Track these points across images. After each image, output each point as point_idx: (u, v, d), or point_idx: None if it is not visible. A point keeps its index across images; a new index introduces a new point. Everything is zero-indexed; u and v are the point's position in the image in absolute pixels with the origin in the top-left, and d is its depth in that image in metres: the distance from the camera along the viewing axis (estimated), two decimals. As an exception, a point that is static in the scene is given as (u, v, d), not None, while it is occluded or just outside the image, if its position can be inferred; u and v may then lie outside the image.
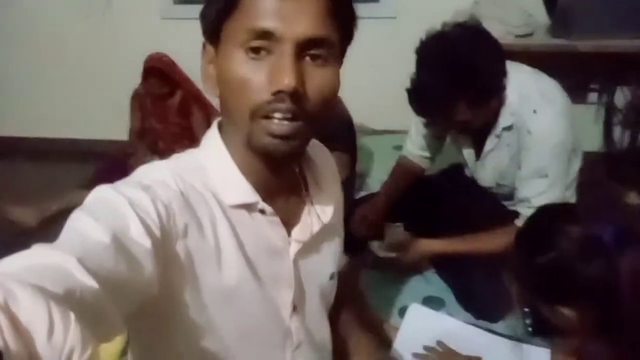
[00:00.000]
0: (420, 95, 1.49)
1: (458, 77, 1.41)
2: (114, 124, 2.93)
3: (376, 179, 2.22)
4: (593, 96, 2.77)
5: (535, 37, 2.46)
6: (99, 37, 3.05)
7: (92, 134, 3.25)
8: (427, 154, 1.88)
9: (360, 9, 2.52)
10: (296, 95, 0.67)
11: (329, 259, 0.93)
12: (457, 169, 1.90)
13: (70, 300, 0.46)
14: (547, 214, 1.05)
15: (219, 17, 0.70)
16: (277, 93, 0.66)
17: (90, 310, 0.49)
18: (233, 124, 0.75)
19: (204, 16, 0.73)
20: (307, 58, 0.68)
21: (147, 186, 0.69)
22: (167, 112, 2.65)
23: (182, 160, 0.80)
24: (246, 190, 0.77)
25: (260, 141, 0.70)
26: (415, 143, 1.88)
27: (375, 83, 2.74)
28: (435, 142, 1.85)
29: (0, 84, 3.29)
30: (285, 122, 0.68)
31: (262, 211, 0.79)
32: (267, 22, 0.66)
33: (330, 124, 1.86)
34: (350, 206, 1.89)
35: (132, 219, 0.62)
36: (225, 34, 0.70)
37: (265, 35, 0.66)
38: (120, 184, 0.69)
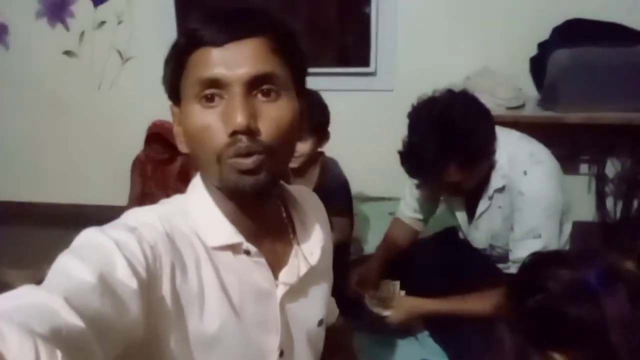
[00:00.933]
0: (412, 157, 1.54)
1: (448, 139, 1.45)
2: (115, 190, 2.98)
3: (372, 244, 2.22)
4: (584, 167, 2.83)
5: (525, 110, 2.55)
6: (105, 108, 3.17)
7: (94, 200, 3.29)
8: (420, 216, 1.90)
9: (359, 82, 2.66)
10: (250, 132, 0.69)
11: (317, 303, 0.92)
12: (451, 232, 1.92)
13: (56, 338, 0.47)
14: (539, 259, 1.06)
15: (175, 78, 0.75)
16: (233, 134, 0.69)
17: (76, 350, 0.50)
18: (205, 173, 0.77)
19: (164, 80, 0.78)
20: (259, 95, 0.72)
21: (133, 228, 0.70)
22: (167, 177, 2.70)
23: (168, 205, 0.81)
24: (229, 231, 0.78)
25: (230, 179, 0.72)
26: (408, 205, 1.90)
27: (372, 152, 2.80)
28: (428, 204, 1.88)
29: (4, 150, 3.37)
30: (250, 158, 0.70)
31: (247, 252, 0.79)
32: (213, 71, 0.70)
33: (327, 187, 1.89)
34: (346, 270, 1.90)
35: (119, 259, 0.63)
36: (182, 92, 0.75)
37: (213, 83, 0.70)
38: (107, 226, 0.70)
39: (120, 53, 3.07)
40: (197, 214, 0.79)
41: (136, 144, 2.67)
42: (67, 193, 3.34)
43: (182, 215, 0.78)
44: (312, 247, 0.87)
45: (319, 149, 1.94)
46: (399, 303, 1.67)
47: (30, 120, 3.29)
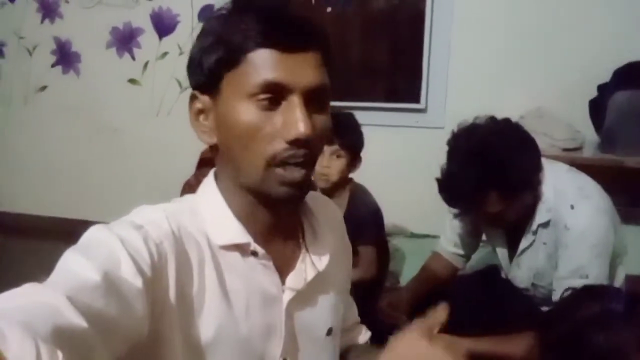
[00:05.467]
0: (450, 185, 1.48)
1: (486, 167, 1.39)
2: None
3: (408, 279, 2.14)
4: (649, 217, 2.64)
5: (583, 152, 2.44)
6: (162, 133, 3.30)
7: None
8: (461, 251, 1.81)
9: (409, 118, 2.65)
10: (309, 143, 0.70)
11: (326, 311, 0.88)
12: (493, 271, 1.81)
13: (58, 338, 0.46)
14: (577, 292, 1.01)
15: (220, 68, 0.72)
16: (294, 141, 0.69)
17: (79, 350, 0.49)
18: (239, 172, 0.75)
19: (200, 66, 0.74)
20: (312, 107, 0.72)
21: (139, 226, 0.69)
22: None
23: (177, 203, 0.80)
24: (238, 230, 0.77)
25: (275, 190, 0.72)
26: (449, 240, 1.83)
27: (419, 188, 2.73)
28: (469, 239, 1.80)
29: (66, 170, 3.55)
30: (298, 169, 0.71)
31: (255, 253, 0.77)
32: (277, 75, 0.69)
33: (357, 215, 1.86)
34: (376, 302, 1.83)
35: (124, 257, 0.62)
36: (228, 85, 0.72)
37: (276, 87, 0.69)
38: (114, 223, 0.69)
39: (179, 82, 3.20)
40: (207, 212, 0.78)
41: (188, 169, 2.73)
42: (122, 213, 3.46)
43: (191, 214, 0.77)
44: (321, 252, 0.85)
45: (350, 174, 1.92)
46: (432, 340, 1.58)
47: (92, 142, 3.46)
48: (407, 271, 2.28)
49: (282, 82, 0.69)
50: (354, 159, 1.87)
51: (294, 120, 0.69)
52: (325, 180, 1.85)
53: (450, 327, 1.62)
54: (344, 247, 0.97)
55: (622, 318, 0.84)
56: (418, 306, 1.77)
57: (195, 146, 2.69)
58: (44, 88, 3.48)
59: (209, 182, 0.81)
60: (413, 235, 2.67)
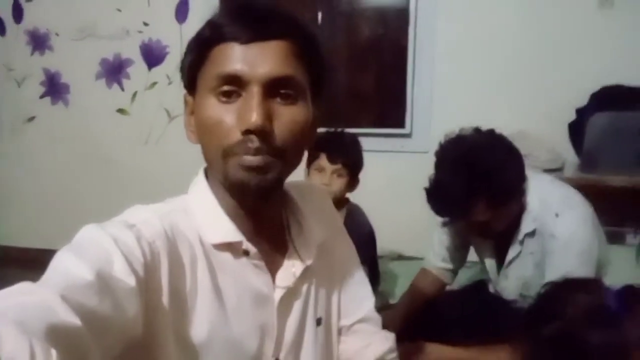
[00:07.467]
0: (438, 194, 1.51)
1: (475, 175, 1.43)
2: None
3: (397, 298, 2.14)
4: (631, 238, 2.68)
5: (564, 173, 2.50)
6: (150, 162, 3.31)
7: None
8: (449, 266, 1.82)
9: (394, 143, 2.67)
10: (263, 133, 0.69)
11: (315, 303, 0.88)
12: (480, 285, 1.83)
13: (52, 337, 0.46)
14: (557, 286, 1.00)
15: (193, 68, 0.76)
16: (246, 132, 0.69)
17: (73, 348, 0.49)
18: (211, 166, 0.77)
19: (182, 69, 0.78)
20: (278, 98, 0.72)
21: (132, 225, 0.69)
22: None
23: (168, 203, 0.81)
24: (230, 229, 0.77)
25: (235, 175, 0.71)
26: (437, 254, 1.84)
27: (406, 212, 2.77)
28: (457, 253, 1.81)
29: (55, 200, 3.52)
30: (255, 157, 0.70)
31: (247, 253, 0.77)
32: (234, 67, 0.70)
33: (351, 235, 1.88)
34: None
35: (117, 257, 0.62)
36: (200, 83, 0.75)
37: (233, 79, 0.70)
38: (106, 223, 0.69)
39: (167, 112, 3.24)
40: (198, 211, 0.78)
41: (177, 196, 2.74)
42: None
43: (183, 214, 0.77)
44: (307, 246, 0.86)
45: (347, 194, 1.94)
46: (421, 349, 1.57)
47: (81, 171, 3.45)
48: (396, 291, 2.29)
49: (237, 74, 0.70)
50: (353, 179, 1.89)
51: (247, 110, 0.69)
52: None
53: (440, 341, 1.62)
54: (336, 232, 0.97)
55: (615, 312, 0.81)
56: (409, 323, 1.78)
57: (184, 174, 2.70)
58: (32, 119, 3.48)
59: (199, 180, 0.82)
60: (401, 257, 2.68)
